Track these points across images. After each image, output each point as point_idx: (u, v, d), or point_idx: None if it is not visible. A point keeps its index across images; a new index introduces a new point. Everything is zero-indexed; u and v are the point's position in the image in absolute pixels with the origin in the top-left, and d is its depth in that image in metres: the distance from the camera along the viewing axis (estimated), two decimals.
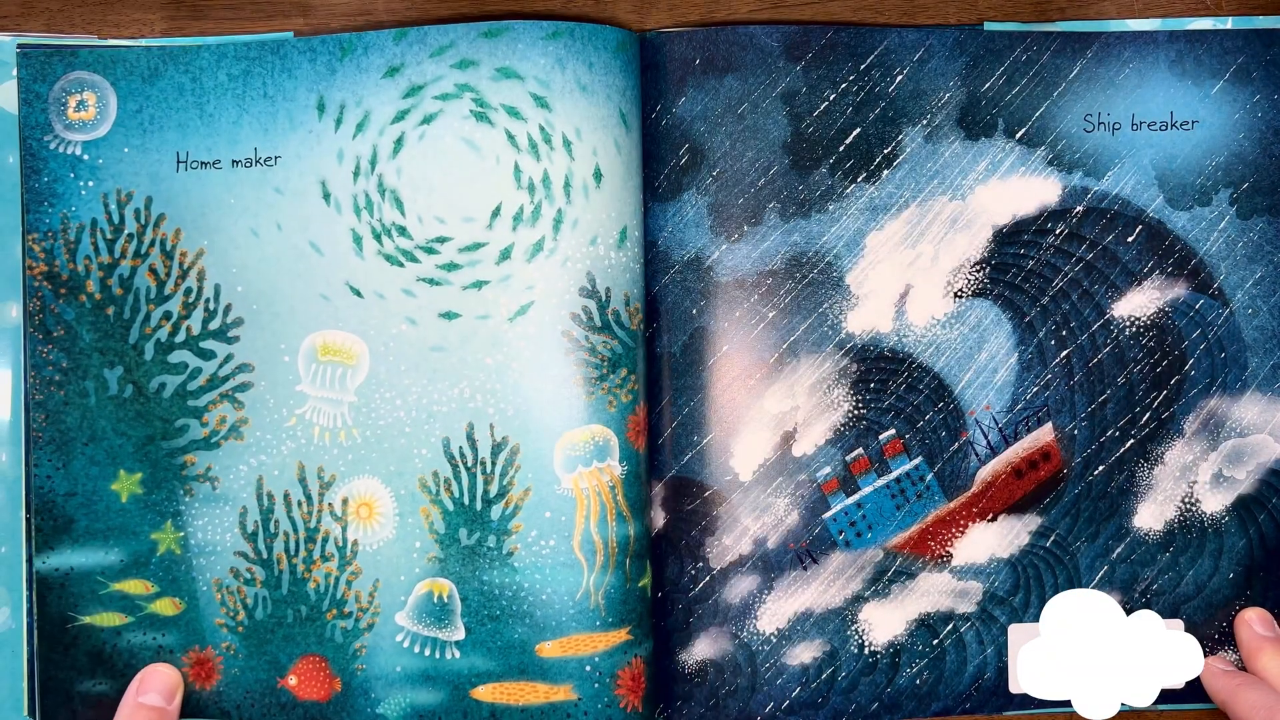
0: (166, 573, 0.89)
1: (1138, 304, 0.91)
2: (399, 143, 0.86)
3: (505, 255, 0.85)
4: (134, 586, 0.89)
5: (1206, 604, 0.92)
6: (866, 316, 0.91)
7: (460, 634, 0.87)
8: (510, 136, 0.85)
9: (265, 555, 0.89)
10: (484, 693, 0.87)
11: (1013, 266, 0.91)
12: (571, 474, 0.86)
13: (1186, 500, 0.92)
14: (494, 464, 0.86)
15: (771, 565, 0.91)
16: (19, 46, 0.90)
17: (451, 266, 0.86)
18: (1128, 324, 0.92)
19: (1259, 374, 0.92)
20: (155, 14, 0.92)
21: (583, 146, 0.86)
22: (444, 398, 0.86)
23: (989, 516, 0.92)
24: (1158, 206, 0.91)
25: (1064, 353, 0.91)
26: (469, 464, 0.86)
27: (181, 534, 0.89)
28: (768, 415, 0.91)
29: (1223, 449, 0.92)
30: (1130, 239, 0.91)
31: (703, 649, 0.91)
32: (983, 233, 0.91)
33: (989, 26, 0.92)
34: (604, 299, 0.86)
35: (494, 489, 0.86)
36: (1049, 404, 0.91)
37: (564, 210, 0.85)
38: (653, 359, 0.90)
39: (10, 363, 0.90)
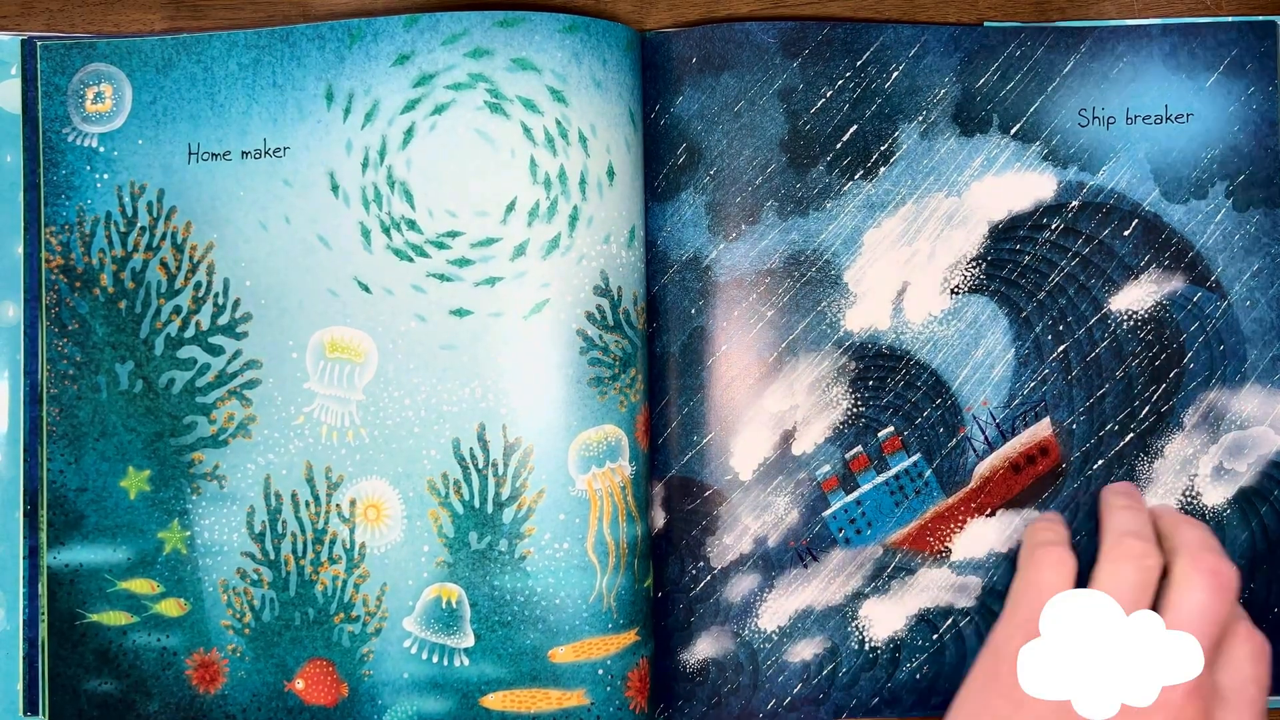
0: (172, 572, 0.83)
1: (1135, 298, 0.85)
2: (409, 133, 0.80)
3: (520, 251, 0.79)
4: (140, 586, 0.83)
5: None
6: (865, 314, 0.85)
7: (469, 641, 0.80)
8: (526, 129, 0.79)
9: (273, 556, 0.82)
10: (494, 700, 0.80)
11: (1009, 262, 0.85)
12: (586, 475, 0.79)
13: (1187, 493, 0.85)
14: (506, 466, 0.79)
15: (772, 564, 0.85)
16: (38, 39, 0.84)
17: (463, 262, 0.79)
18: (1125, 318, 0.85)
19: (1258, 366, 0.85)
20: (155, 13, 0.87)
21: (597, 143, 0.79)
22: (454, 397, 0.80)
23: (987, 511, 0.85)
24: (1154, 200, 0.85)
25: (1061, 348, 0.85)
26: (480, 466, 0.79)
27: (188, 533, 0.83)
28: (767, 414, 0.84)
29: (1223, 442, 0.85)
30: (1126, 233, 0.85)
31: (704, 648, 0.85)
32: (979, 229, 0.85)
33: (988, 26, 0.86)
34: (616, 298, 0.80)
35: (506, 491, 0.79)
36: (1046, 399, 0.85)
37: (580, 207, 0.79)
38: (652, 359, 0.84)
39: (7, 363, 0.85)
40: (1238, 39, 0.85)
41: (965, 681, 0.76)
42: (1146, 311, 0.85)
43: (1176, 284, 0.85)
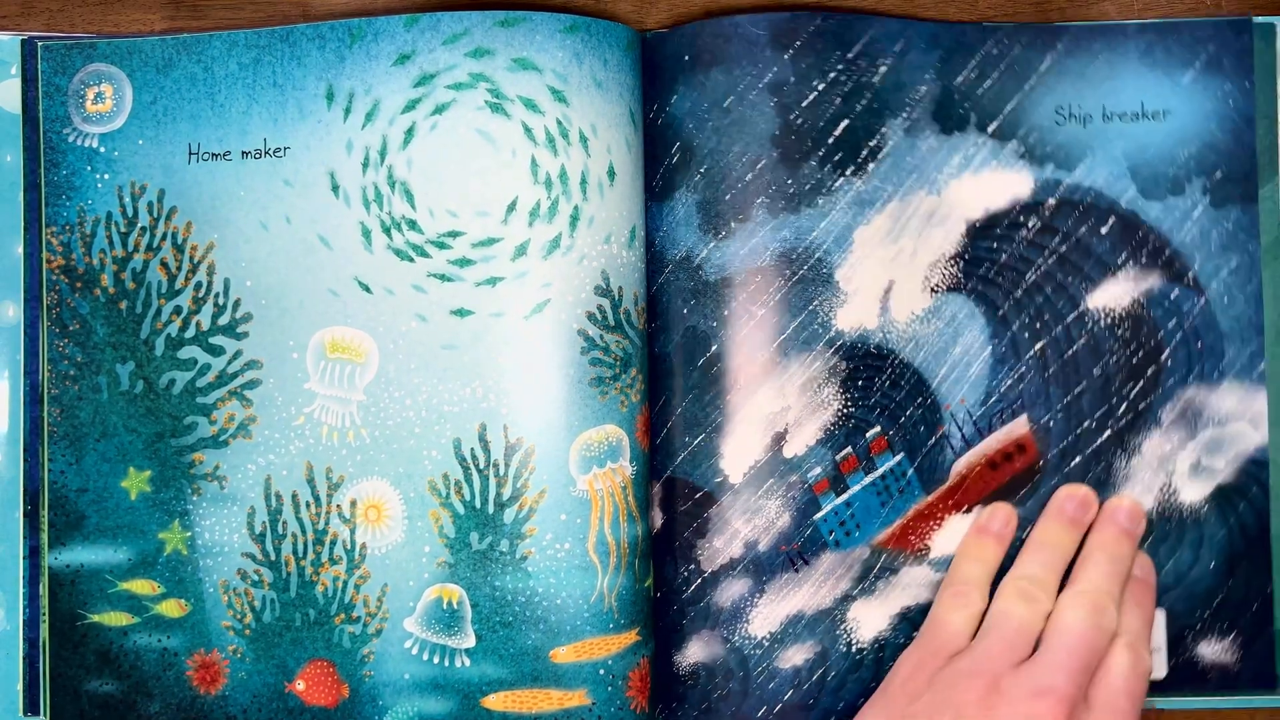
0: (173, 573, 0.82)
1: (1112, 295, 0.85)
2: (410, 133, 0.79)
3: (521, 251, 0.78)
4: (141, 586, 0.82)
5: (1188, 593, 0.85)
6: (855, 313, 0.84)
7: (470, 641, 0.80)
8: (527, 129, 0.78)
9: (273, 557, 0.82)
10: (495, 701, 0.80)
11: (986, 260, 0.84)
12: (587, 475, 0.79)
13: (1165, 490, 0.85)
14: (507, 466, 0.79)
15: (763, 568, 0.84)
16: (38, 39, 0.84)
17: (464, 262, 0.79)
18: (1103, 315, 0.85)
19: (1236, 363, 0.85)
20: (155, 14, 0.86)
21: (598, 144, 0.79)
22: (455, 397, 0.79)
23: (964, 508, 0.85)
24: (1130, 197, 0.84)
25: (1038, 345, 0.85)
26: (481, 466, 0.79)
27: (189, 534, 0.82)
28: (759, 415, 0.83)
29: (1201, 438, 0.85)
30: (1104, 231, 0.84)
31: (695, 652, 0.84)
32: (957, 227, 0.84)
33: (972, 23, 0.85)
34: (617, 298, 0.80)
35: (507, 492, 0.79)
36: (1024, 397, 0.85)
37: (580, 207, 0.78)
38: (650, 359, 0.84)
39: (8, 363, 0.85)
40: (1214, 35, 0.84)
41: (864, 706, 0.79)
42: (1124, 309, 0.84)
43: (1154, 281, 0.84)
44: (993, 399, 0.84)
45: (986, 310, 0.84)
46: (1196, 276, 0.84)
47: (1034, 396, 0.85)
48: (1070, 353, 0.84)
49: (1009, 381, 0.84)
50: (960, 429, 0.84)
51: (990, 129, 0.84)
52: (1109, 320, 0.84)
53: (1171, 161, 0.84)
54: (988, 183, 0.84)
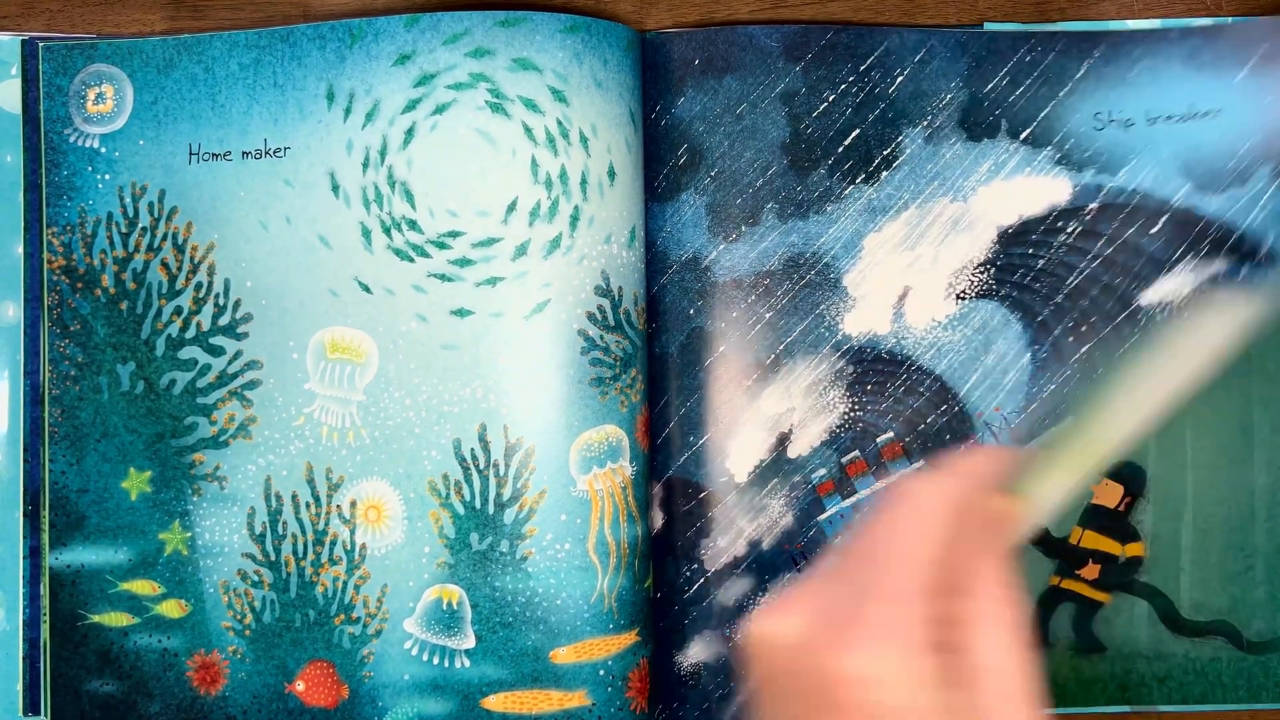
0: (174, 574, 0.82)
1: (1170, 289, 0.83)
2: (410, 133, 0.79)
3: (521, 251, 0.78)
4: (141, 587, 0.82)
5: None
6: (864, 318, 0.84)
7: (470, 642, 0.79)
8: (527, 129, 0.78)
9: (273, 557, 0.81)
10: (495, 702, 0.79)
11: (1020, 267, 0.84)
12: (587, 475, 0.78)
13: None
14: (507, 466, 0.78)
15: (766, 568, 0.83)
16: (39, 40, 0.84)
17: (464, 262, 0.79)
18: (1159, 310, 0.83)
19: None
20: (155, 14, 0.86)
21: (598, 144, 0.79)
22: (455, 398, 0.79)
23: None
24: (1185, 194, 0.83)
25: (1084, 349, 0.83)
26: (481, 466, 0.79)
27: (189, 534, 0.82)
28: (764, 416, 0.83)
29: None
30: (1154, 230, 0.83)
31: (697, 652, 0.83)
32: (986, 234, 0.83)
33: (989, 27, 0.85)
34: (617, 298, 0.79)
35: (507, 492, 0.79)
36: (1069, 401, 0.83)
37: (580, 207, 0.78)
38: (651, 359, 0.83)
39: (8, 363, 0.84)
40: (1267, 35, 0.83)
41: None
42: (1185, 298, 0.83)
43: (1219, 266, 0.83)
44: (1034, 405, 0.84)
45: (1023, 317, 0.84)
46: (1271, 251, 0.83)
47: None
48: (1123, 350, 0.83)
49: (1052, 386, 0.84)
50: (996, 437, 0.84)
51: (1023, 135, 0.84)
52: (1168, 314, 0.83)
53: (1230, 155, 0.83)
54: (1021, 189, 0.84)
